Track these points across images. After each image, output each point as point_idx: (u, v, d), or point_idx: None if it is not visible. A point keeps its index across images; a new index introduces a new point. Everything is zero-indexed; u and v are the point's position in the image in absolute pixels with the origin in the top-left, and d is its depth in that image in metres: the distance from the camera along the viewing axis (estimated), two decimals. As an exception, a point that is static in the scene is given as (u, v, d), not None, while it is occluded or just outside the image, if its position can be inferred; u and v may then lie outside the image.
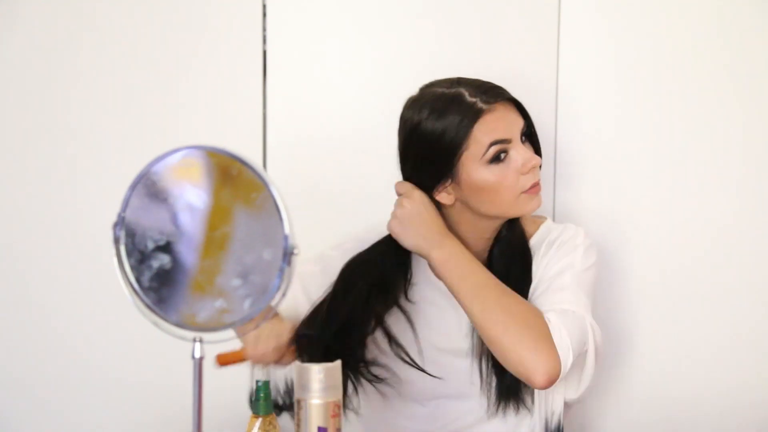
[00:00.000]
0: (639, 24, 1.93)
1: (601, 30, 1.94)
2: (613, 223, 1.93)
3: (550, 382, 1.51)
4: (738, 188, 1.92)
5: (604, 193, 1.94)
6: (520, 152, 1.58)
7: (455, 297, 1.59)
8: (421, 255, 1.62)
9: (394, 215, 1.63)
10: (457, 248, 1.60)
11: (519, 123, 1.59)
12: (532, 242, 1.69)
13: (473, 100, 1.57)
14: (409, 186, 1.64)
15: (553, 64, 1.93)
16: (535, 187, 1.60)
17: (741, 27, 1.90)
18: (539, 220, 1.73)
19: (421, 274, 1.71)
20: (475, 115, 1.56)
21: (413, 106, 1.62)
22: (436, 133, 1.58)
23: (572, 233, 1.68)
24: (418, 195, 1.62)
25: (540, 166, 1.62)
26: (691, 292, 1.94)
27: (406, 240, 1.62)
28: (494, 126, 1.57)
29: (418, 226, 1.61)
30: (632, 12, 1.93)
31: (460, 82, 1.61)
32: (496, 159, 1.58)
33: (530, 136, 1.62)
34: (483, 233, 1.68)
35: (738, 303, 1.93)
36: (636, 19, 1.93)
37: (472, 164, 1.58)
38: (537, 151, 1.63)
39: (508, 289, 1.58)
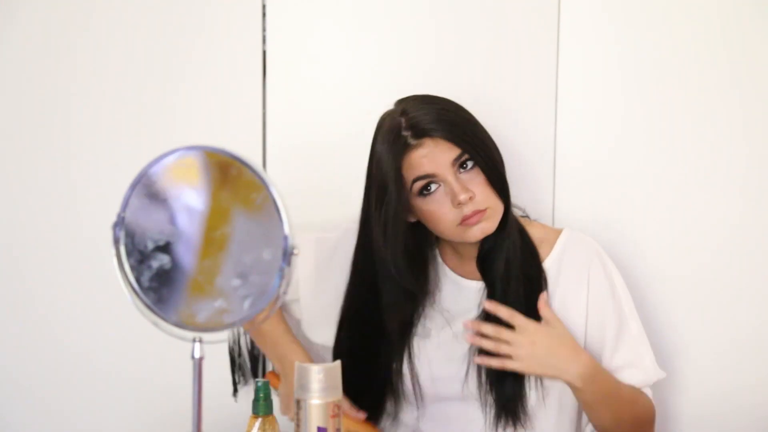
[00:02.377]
0: (639, 27, 1.92)
1: (601, 32, 1.93)
2: (613, 227, 1.93)
3: None
4: (742, 192, 1.91)
5: (604, 197, 1.94)
6: (448, 186, 1.59)
7: (589, 407, 1.63)
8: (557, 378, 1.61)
9: (520, 356, 1.57)
10: (591, 361, 1.62)
11: (449, 155, 1.59)
12: (548, 263, 1.70)
13: (406, 134, 1.60)
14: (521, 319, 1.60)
15: (553, 65, 1.93)
16: (473, 217, 1.60)
17: (743, 29, 1.90)
18: (553, 234, 1.74)
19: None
20: (401, 153, 1.60)
21: (373, 142, 1.67)
22: (383, 184, 1.62)
23: (600, 262, 1.73)
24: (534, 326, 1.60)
25: (500, 188, 1.62)
26: (693, 295, 1.93)
27: (543, 370, 1.60)
28: (418, 162, 1.59)
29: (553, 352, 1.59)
30: (632, 15, 1.93)
31: (406, 109, 1.62)
32: (424, 193, 1.60)
33: (480, 163, 1.61)
34: (464, 244, 1.70)
35: (741, 307, 1.93)
36: (636, 21, 1.93)
37: (408, 195, 1.61)
38: (492, 176, 1.62)
39: (626, 390, 1.67)
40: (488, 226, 1.62)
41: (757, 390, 1.93)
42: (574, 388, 1.59)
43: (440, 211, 1.61)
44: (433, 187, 1.60)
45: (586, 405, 1.63)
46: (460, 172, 1.60)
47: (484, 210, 1.60)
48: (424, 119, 1.60)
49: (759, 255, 1.92)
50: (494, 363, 1.58)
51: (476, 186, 1.60)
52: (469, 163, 1.60)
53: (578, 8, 1.92)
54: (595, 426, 1.66)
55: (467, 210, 1.59)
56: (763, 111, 1.90)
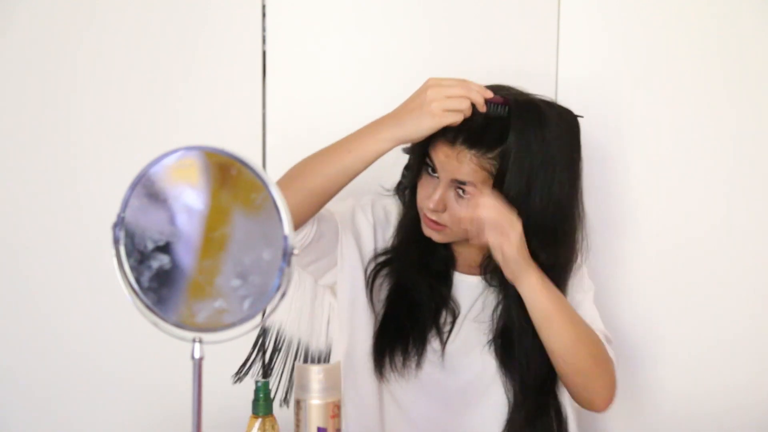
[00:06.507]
0: (639, 27, 1.93)
1: (601, 31, 1.94)
2: (612, 223, 1.93)
3: (609, 406, 1.63)
4: (742, 186, 1.92)
5: (602, 194, 1.94)
6: (436, 185, 1.60)
7: (543, 323, 1.57)
8: (513, 273, 1.56)
9: (497, 227, 1.53)
10: (543, 275, 1.58)
11: (460, 174, 1.57)
12: None
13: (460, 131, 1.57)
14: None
15: (553, 65, 1.94)
16: (429, 221, 1.62)
17: (741, 22, 1.90)
18: None
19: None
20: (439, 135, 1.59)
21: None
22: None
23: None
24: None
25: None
26: (690, 291, 1.94)
27: (508, 252, 1.54)
28: (436, 154, 1.59)
29: (519, 244, 1.55)
30: (632, 13, 1.93)
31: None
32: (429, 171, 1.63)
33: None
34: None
35: (737, 302, 1.93)
36: (636, 20, 1.93)
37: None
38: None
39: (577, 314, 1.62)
40: (437, 237, 1.64)
41: (755, 387, 1.94)
42: (526, 284, 1.56)
43: (420, 190, 1.63)
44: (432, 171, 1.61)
45: (543, 313, 1.57)
46: (458, 191, 1.59)
47: (443, 226, 1.61)
48: (491, 138, 1.54)
49: (755, 255, 1.92)
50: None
51: (455, 209, 1.59)
52: (467, 194, 1.58)
53: (578, 7, 1.93)
54: (554, 350, 1.59)
55: (429, 213, 1.61)
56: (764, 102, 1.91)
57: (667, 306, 1.95)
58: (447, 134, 1.56)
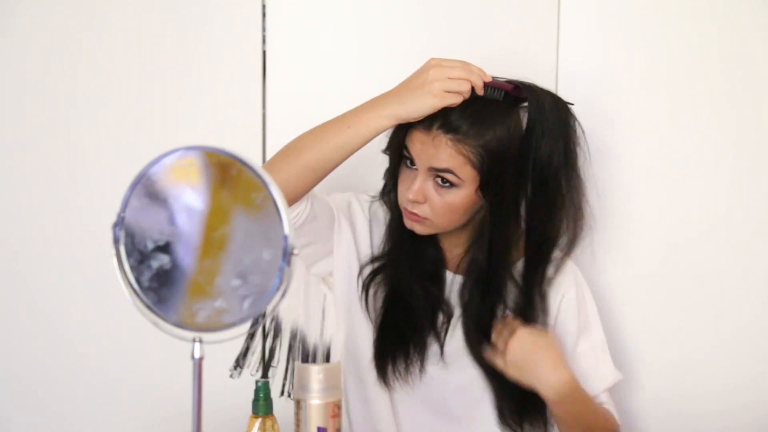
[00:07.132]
0: (640, 11, 1.93)
1: (601, 17, 1.94)
2: (610, 219, 1.93)
3: None
4: (740, 185, 1.92)
5: (602, 188, 1.94)
6: (416, 177, 1.59)
7: (561, 423, 1.61)
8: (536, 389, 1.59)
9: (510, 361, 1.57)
10: (572, 378, 1.58)
11: (438, 162, 1.56)
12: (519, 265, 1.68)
13: (438, 119, 1.57)
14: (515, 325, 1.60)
15: (553, 65, 1.93)
16: (410, 214, 1.61)
17: (741, 14, 1.90)
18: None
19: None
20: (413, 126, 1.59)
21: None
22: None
23: (570, 269, 1.72)
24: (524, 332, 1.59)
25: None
26: (690, 291, 1.94)
27: (525, 380, 1.58)
28: (412, 142, 1.59)
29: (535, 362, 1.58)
30: (632, 13, 1.93)
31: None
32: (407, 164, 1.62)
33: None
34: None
35: (737, 302, 1.93)
36: (636, 19, 1.93)
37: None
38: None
39: (600, 413, 1.64)
40: (419, 229, 1.62)
41: (754, 388, 1.94)
42: (548, 401, 1.58)
43: (400, 184, 1.62)
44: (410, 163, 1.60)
45: (558, 420, 1.62)
46: (436, 180, 1.58)
47: (423, 219, 1.60)
48: (465, 125, 1.55)
49: (755, 255, 1.92)
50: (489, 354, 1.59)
51: (436, 199, 1.58)
52: (447, 183, 1.58)
53: (578, 7, 1.93)
54: None
55: (409, 206, 1.60)
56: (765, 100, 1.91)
57: (666, 306, 1.95)
58: (423, 121, 1.55)
